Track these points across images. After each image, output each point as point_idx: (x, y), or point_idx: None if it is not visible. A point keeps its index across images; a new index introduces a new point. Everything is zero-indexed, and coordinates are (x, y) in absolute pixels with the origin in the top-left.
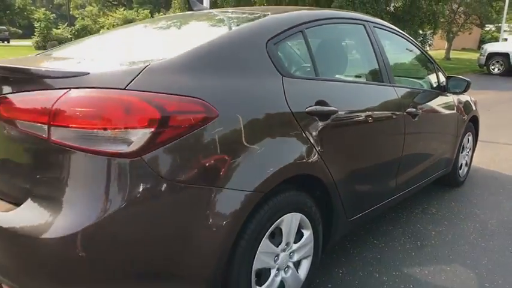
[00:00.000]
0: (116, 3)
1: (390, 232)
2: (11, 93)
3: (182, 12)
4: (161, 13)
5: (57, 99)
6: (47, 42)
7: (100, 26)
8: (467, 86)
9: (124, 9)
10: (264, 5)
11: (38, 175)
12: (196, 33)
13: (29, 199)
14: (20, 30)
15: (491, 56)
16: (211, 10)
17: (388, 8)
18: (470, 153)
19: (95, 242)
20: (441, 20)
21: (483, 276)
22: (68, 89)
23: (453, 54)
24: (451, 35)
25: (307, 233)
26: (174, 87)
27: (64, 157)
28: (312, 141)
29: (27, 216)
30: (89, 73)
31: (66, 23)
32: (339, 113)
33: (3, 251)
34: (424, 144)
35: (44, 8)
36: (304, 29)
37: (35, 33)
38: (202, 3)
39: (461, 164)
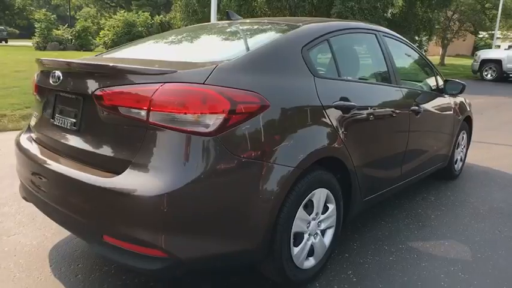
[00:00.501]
0: (113, 4)
1: (395, 215)
2: (110, 86)
3: (223, 21)
4: (161, 16)
5: (155, 91)
6: (48, 43)
7: (100, 28)
8: (462, 89)
9: (124, 11)
10: (264, 10)
11: (135, 149)
12: (245, 39)
13: (128, 168)
14: (17, 31)
15: (485, 62)
16: (247, 20)
17: (385, 15)
18: (464, 150)
19: (179, 200)
20: (436, 27)
21: (475, 249)
22: (162, 83)
23: (448, 60)
24: (446, 42)
25: (331, 207)
26: (238, 83)
27: (157, 135)
28: (337, 130)
29: (128, 181)
30: (176, 71)
31: (67, 24)
32: (358, 108)
33: (107, 207)
34: (425, 139)
35: (45, 9)
36: (329, 37)
37: (35, 34)
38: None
39: (457, 159)
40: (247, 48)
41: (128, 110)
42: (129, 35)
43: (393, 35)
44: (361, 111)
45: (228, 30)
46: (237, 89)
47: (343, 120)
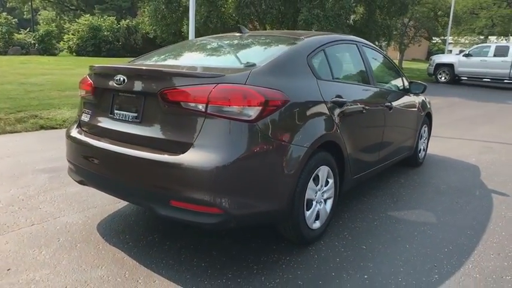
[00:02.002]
0: (73, 8)
1: (374, 193)
2: (173, 86)
3: (237, 33)
4: (127, 20)
5: (212, 90)
6: (9, 47)
7: (62, 32)
8: (424, 89)
9: (89, 15)
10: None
11: (195, 134)
12: (264, 49)
13: (191, 148)
14: None
15: (439, 66)
16: (257, 33)
17: (348, 22)
18: (426, 141)
19: (231, 170)
20: (394, 33)
21: (439, 215)
22: (216, 84)
23: (405, 64)
24: (403, 47)
25: (331, 181)
26: (267, 83)
27: (213, 123)
28: (334, 120)
29: (192, 157)
30: (224, 75)
31: (29, 28)
32: (348, 103)
33: (174, 178)
34: (396, 131)
35: (6, 13)
36: (325, 48)
37: None
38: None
39: (420, 149)
40: (269, 57)
41: (190, 105)
42: (94, 40)
43: (369, 45)
44: (350, 106)
45: (246, 41)
46: (268, 88)
47: (338, 113)
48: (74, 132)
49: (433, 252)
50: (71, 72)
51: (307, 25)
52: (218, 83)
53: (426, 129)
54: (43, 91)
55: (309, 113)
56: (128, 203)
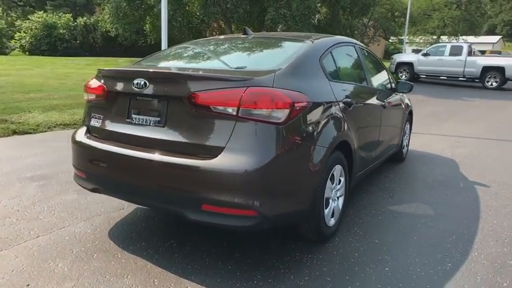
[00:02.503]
0: (22, 4)
1: (370, 190)
2: (202, 90)
3: (242, 35)
4: (85, 17)
5: (243, 93)
6: None
7: (15, 31)
8: (411, 88)
9: (42, 12)
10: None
11: (226, 138)
12: (278, 51)
13: (223, 152)
14: None
15: (399, 65)
16: (261, 34)
17: (313, 21)
18: (408, 137)
19: (264, 173)
20: (355, 33)
21: (434, 207)
22: (246, 87)
23: None
24: None
25: (342, 179)
26: (291, 85)
27: (244, 126)
28: (345, 120)
29: (225, 161)
30: (253, 78)
31: None
32: (354, 103)
33: (206, 183)
34: (388, 128)
35: None
36: (331, 50)
37: None
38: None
39: (404, 145)
40: (287, 59)
41: (220, 108)
42: (49, 38)
43: (363, 46)
44: (356, 106)
45: (257, 43)
46: (292, 90)
47: (347, 113)
48: (83, 138)
49: (440, 243)
50: (29, 73)
51: (274, 24)
52: (248, 86)
53: (408, 126)
54: (5, 93)
55: (327, 114)
56: (134, 208)
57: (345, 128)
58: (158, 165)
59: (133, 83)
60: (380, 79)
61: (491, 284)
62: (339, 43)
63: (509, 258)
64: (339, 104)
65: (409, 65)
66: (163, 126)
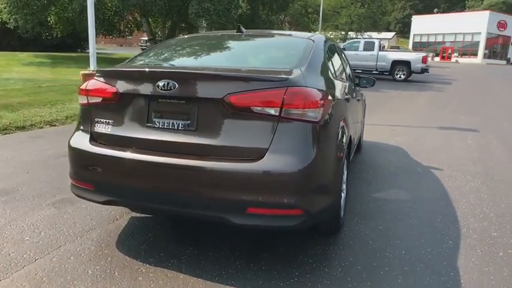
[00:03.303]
0: None
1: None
2: (240, 91)
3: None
4: None
5: (285, 93)
6: None
7: None
8: (373, 83)
9: None
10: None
11: (269, 139)
12: (287, 49)
13: (267, 153)
14: None
15: None
16: (254, 31)
17: (234, 16)
18: (363, 129)
19: (309, 171)
20: (274, 28)
21: (409, 192)
22: (286, 87)
23: None
24: None
25: (345, 171)
26: (315, 84)
27: (287, 126)
28: (347, 113)
29: (271, 163)
30: (289, 78)
31: None
32: (347, 98)
33: (252, 185)
34: (358, 122)
35: None
36: (326, 48)
37: None
38: None
39: (361, 136)
40: (302, 58)
41: (262, 109)
42: None
43: (338, 45)
44: (349, 101)
45: (261, 41)
46: (320, 89)
47: (346, 107)
48: (88, 146)
49: (432, 224)
50: None
51: (197, 18)
52: (288, 86)
53: (363, 118)
54: None
55: (340, 109)
56: (129, 217)
57: (348, 123)
58: (195, 171)
59: (158, 85)
60: (349, 75)
61: (491, 255)
62: (327, 40)
63: (492, 230)
64: (342, 100)
65: None
66: (195, 130)
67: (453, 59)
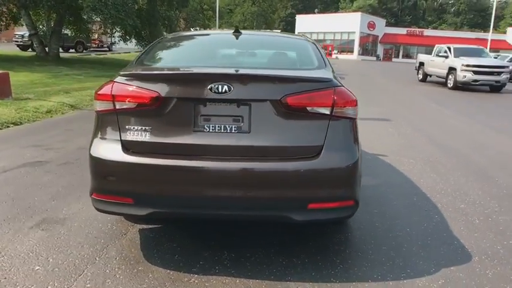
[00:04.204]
0: None
1: None
2: (296, 92)
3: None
4: None
5: (334, 93)
6: None
7: None
8: None
9: None
10: None
11: (324, 136)
12: (297, 50)
13: (323, 150)
14: None
15: None
16: (253, 32)
17: (134, 10)
18: None
19: (358, 165)
20: (174, 24)
21: (374, 178)
22: (334, 88)
23: None
24: None
25: None
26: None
27: (336, 124)
28: None
29: (328, 159)
30: (331, 79)
31: None
32: None
33: (313, 182)
34: None
35: None
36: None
37: None
38: None
39: None
40: (319, 59)
41: (315, 109)
42: None
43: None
44: None
45: (269, 40)
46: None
47: None
48: (123, 156)
49: (413, 203)
50: None
51: (92, 11)
52: (335, 87)
53: None
54: None
55: None
56: (137, 229)
57: None
58: (255, 173)
59: (210, 88)
60: None
61: (470, 222)
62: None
63: (458, 203)
64: None
65: None
66: (249, 132)
67: (334, 56)
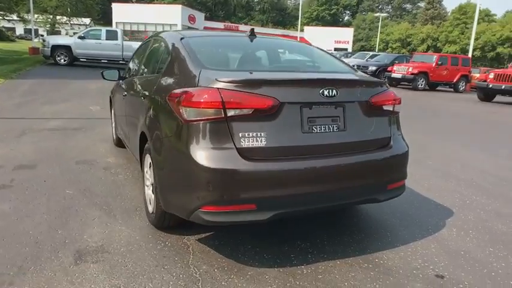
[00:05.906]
0: None
1: None
2: (375, 93)
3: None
4: None
5: (392, 93)
6: None
7: None
8: None
9: None
10: None
11: (390, 128)
12: (318, 51)
13: (392, 140)
14: None
15: (55, 48)
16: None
17: None
18: None
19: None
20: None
21: None
22: (388, 88)
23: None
24: None
25: None
26: None
27: (395, 118)
28: None
29: (397, 147)
30: (385, 81)
31: None
32: None
33: (391, 166)
34: None
35: None
36: None
37: None
38: None
39: None
40: (343, 62)
41: (387, 107)
42: None
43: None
44: None
45: (289, 43)
46: None
47: None
48: (244, 164)
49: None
50: None
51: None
52: (389, 87)
53: None
54: None
55: None
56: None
57: None
58: (354, 166)
59: (322, 92)
60: None
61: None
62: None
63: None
64: None
65: (67, 48)
66: (345, 130)
67: None
